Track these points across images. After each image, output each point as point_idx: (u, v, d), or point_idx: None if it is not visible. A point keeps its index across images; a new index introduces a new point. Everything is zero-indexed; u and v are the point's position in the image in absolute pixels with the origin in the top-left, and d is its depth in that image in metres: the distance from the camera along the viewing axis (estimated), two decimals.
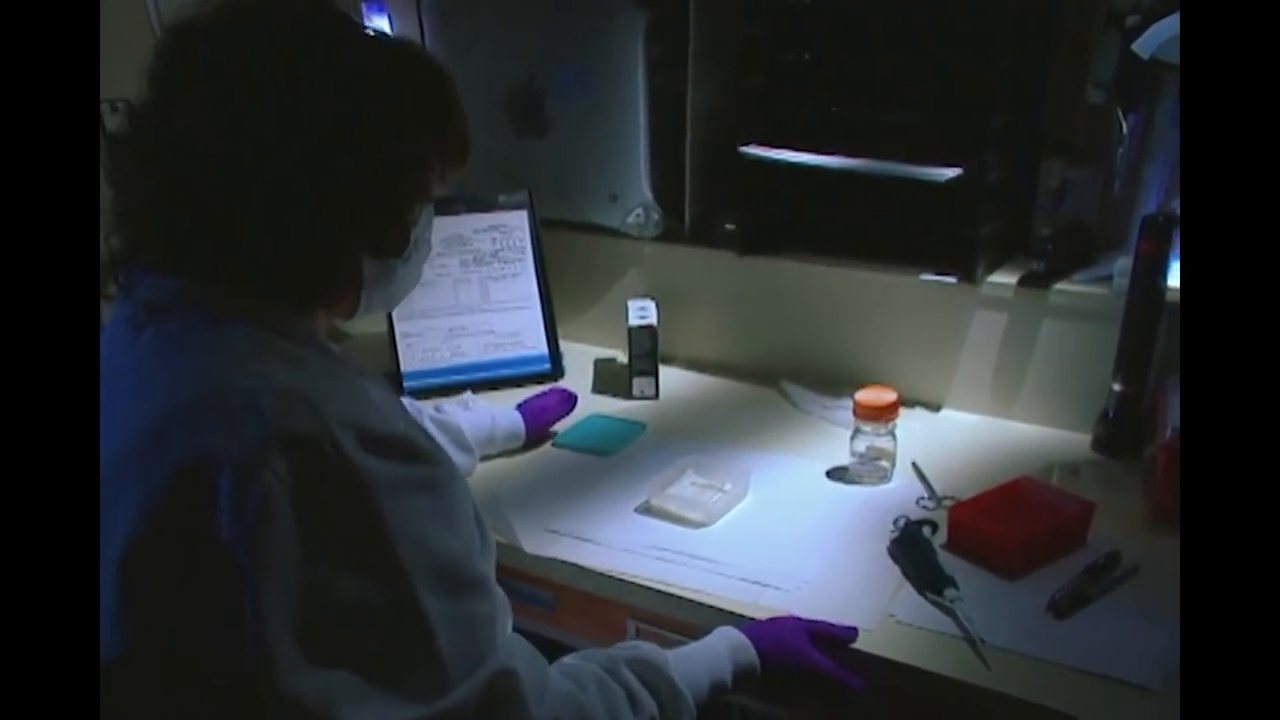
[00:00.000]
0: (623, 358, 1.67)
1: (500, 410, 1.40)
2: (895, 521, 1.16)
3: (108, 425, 0.70)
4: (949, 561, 1.08)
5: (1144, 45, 1.15)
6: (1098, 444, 1.34)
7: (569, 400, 1.46)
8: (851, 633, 0.99)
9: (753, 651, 0.95)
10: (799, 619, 1.00)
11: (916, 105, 1.39)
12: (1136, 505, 1.19)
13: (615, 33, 1.58)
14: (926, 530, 1.13)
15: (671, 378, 1.61)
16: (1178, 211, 1.30)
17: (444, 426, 1.29)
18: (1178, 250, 1.25)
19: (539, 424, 1.41)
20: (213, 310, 0.74)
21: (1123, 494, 1.21)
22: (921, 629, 0.99)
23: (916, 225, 1.44)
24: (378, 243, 0.81)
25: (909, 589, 1.05)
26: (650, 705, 0.86)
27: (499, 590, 0.83)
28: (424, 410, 1.30)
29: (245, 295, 0.76)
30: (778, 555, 1.13)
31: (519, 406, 1.41)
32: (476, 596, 0.75)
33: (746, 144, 1.50)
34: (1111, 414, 1.32)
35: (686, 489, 1.25)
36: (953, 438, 1.40)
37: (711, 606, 1.05)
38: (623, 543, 1.17)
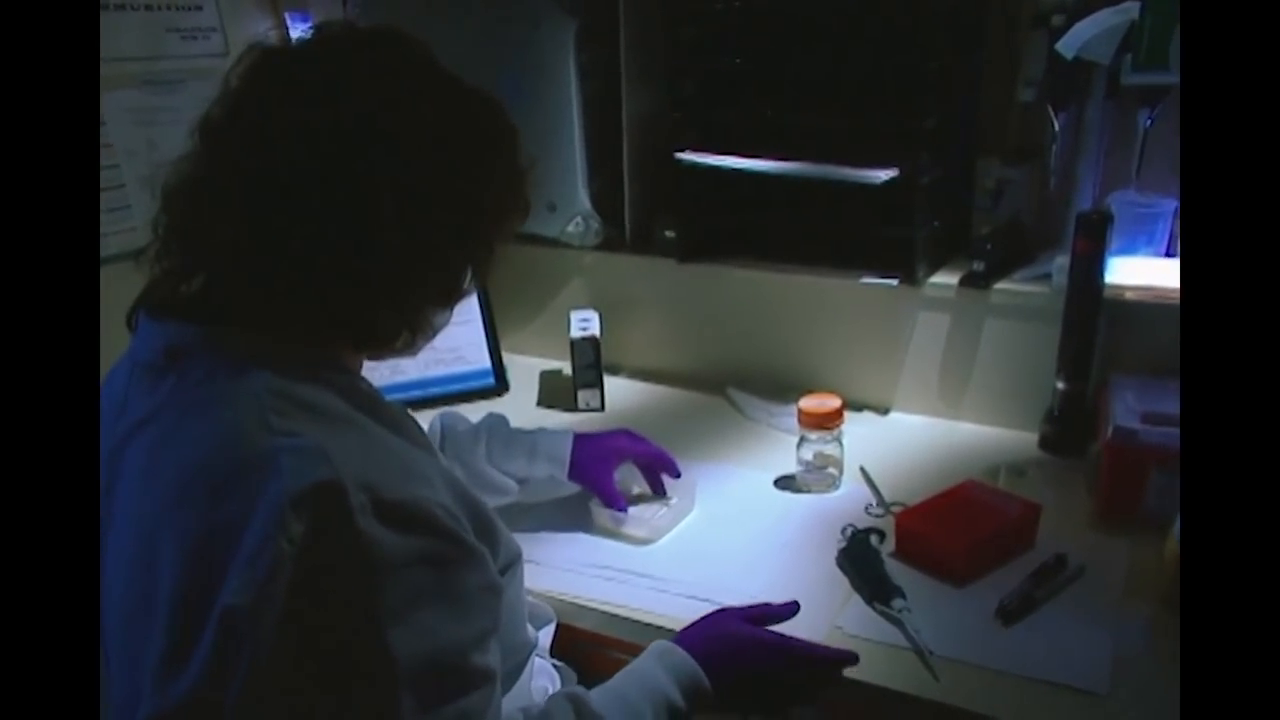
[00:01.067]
0: (568, 369, 1.65)
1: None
2: (843, 530, 1.15)
3: (131, 479, 0.69)
4: (897, 570, 1.07)
5: (1067, 45, 1.15)
6: (1044, 443, 1.34)
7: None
8: (791, 608, 0.95)
9: (681, 651, 0.88)
10: (733, 607, 0.95)
11: (850, 107, 1.38)
12: (1083, 505, 1.19)
13: (544, 40, 1.56)
14: (874, 539, 1.12)
15: (617, 388, 1.59)
16: (1111, 208, 1.30)
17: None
18: (1113, 247, 1.26)
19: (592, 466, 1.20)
20: (239, 355, 0.70)
21: (1069, 493, 1.21)
22: (869, 641, 0.98)
23: (855, 228, 1.43)
24: (446, 292, 0.78)
25: (857, 600, 1.04)
26: None
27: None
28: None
29: (272, 339, 0.72)
30: (724, 569, 1.11)
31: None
32: (467, 691, 0.69)
33: (682, 150, 1.48)
34: (1056, 412, 1.32)
35: (631, 504, 1.23)
36: (901, 440, 1.39)
37: (657, 626, 1.02)
38: (566, 562, 1.14)
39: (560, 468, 1.19)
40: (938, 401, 1.44)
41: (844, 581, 1.08)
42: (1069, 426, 1.31)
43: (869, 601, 1.03)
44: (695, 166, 1.47)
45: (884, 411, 1.48)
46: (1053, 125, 1.32)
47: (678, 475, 1.24)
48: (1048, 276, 1.35)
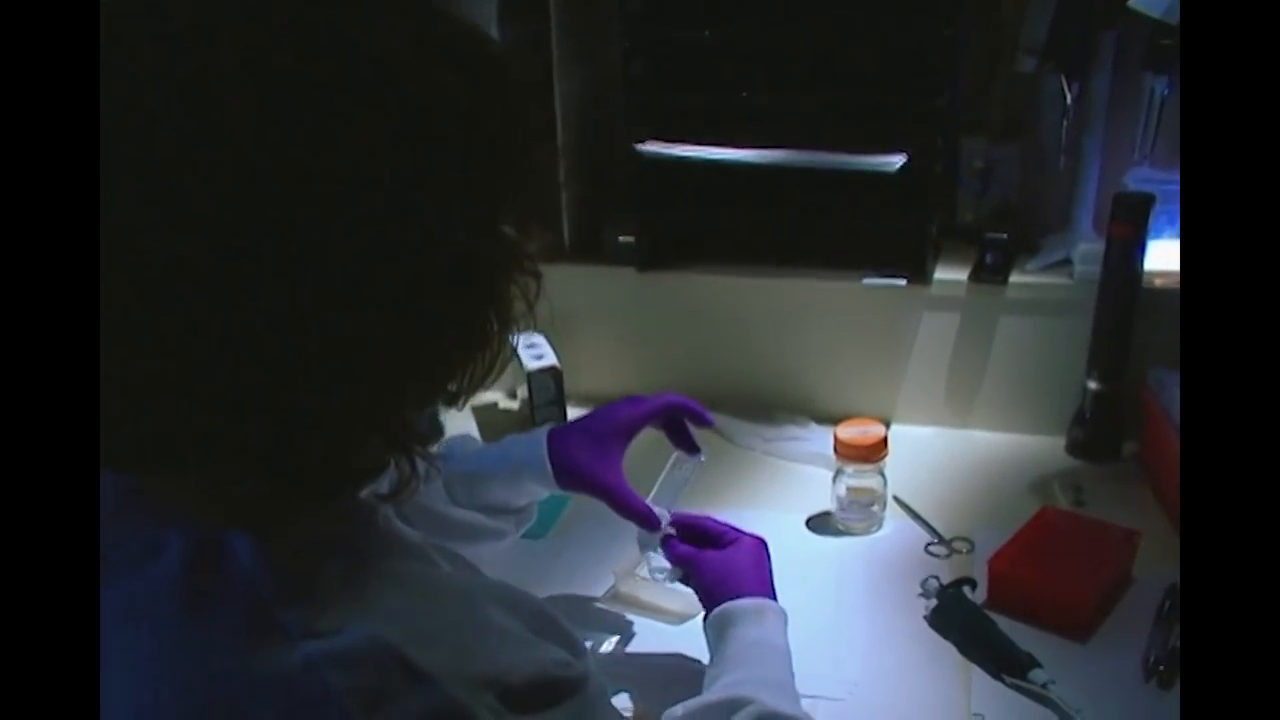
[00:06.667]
0: (506, 402, 1.42)
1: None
2: (923, 584, 0.97)
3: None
4: (1000, 625, 0.91)
5: (1153, 3, 1.01)
6: (1074, 448, 1.22)
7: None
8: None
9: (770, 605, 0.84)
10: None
11: (841, 85, 1.21)
12: (1156, 520, 1.07)
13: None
14: (967, 590, 0.95)
15: None
16: (1131, 186, 1.20)
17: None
18: (1150, 232, 1.15)
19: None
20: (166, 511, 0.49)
21: (1133, 508, 1.09)
22: None
23: (850, 223, 1.27)
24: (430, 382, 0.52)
25: (979, 674, 0.87)
26: None
27: None
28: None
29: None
30: (802, 649, 0.91)
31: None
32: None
33: (641, 140, 1.26)
34: (1088, 415, 1.20)
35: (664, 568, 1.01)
36: (916, 457, 1.23)
37: None
38: (602, 664, 0.92)
39: (543, 479, 0.84)
40: (945, 410, 1.30)
41: (949, 650, 0.91)
42: (1104, 429, 1.20)
43: (996, 675, 0.86)
44: (657, 159, 1.25)
45: (884, 425, 1.32)
46: (1064, 96, 1.20)
47: (710, 423, 0.93)
48: (1062, 264, 1.23)
